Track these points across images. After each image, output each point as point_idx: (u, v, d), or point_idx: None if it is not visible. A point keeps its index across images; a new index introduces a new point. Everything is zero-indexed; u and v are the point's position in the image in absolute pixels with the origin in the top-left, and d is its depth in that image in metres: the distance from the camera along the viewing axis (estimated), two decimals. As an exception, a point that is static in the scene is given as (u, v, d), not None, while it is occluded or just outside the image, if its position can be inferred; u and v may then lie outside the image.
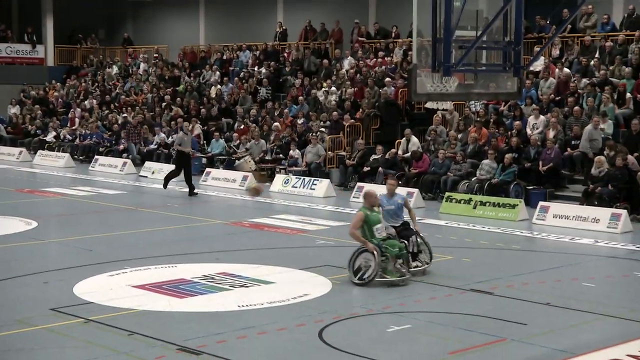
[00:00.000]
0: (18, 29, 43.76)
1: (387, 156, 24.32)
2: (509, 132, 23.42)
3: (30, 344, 10.15)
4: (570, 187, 21.87)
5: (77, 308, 11.63)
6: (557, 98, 24.70)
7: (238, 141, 28.28)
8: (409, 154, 24.15)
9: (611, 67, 24.68)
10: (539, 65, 25.90)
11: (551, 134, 22.60)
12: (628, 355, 9.69)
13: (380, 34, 33.25)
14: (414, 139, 24.62)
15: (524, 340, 10.37)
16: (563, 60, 26.41)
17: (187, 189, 23.58)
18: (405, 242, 13.49)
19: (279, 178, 25.18)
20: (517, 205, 19.94)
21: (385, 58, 30.65)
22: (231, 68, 35.57)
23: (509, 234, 18.01)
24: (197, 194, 23.67)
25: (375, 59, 30.96)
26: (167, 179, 24.41)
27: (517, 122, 23.55)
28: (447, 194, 21.45)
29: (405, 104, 27.32)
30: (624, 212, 18.46)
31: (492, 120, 24.43)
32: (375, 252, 12.74)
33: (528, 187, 21.51)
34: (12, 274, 13.75)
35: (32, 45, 42.86)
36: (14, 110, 39.17)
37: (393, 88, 27.68)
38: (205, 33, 41.96)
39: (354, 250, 13.05)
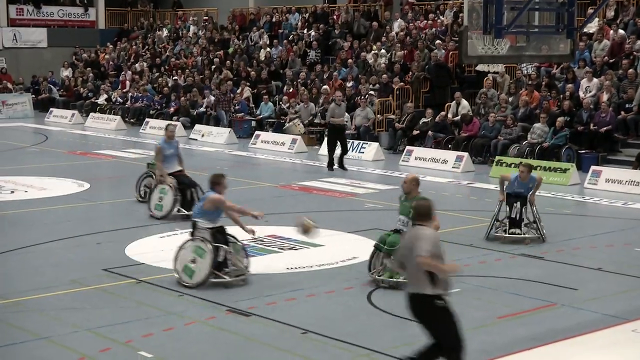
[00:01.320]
0: (69, -8, 44.09)
1: (437, 119, 24.16)
2: (561, 95, 23.09)
3: (84, 303, 10.35)
4: (624, 151, 21.54)
5: (129, 269, 11.81)
6: (611, 60, 24.25)
7: (288, 104, 28.28)
8: (458, 117, 23.96)
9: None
10: (592, 26, 25.41)
11: (605, 97, 22.24)
12: (680, 322, 9.58)
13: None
14: (464, 102, 24.41)
15: (574, 305, 10.31)
16: (618, 21, 25.88)
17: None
18: None
19: (328, 141, 25.14)
20: (569, 169, 19.71)
21: (436, 20, 30.32)
22: (280, 31, 35.47)
23: (560, 198, 17.83)
24: (346, 169, 21.56)
25: (425, 21, 30.63)
26: (331, 161, 21.70)
27: (570, 85, 23.19)
28: (497, 157, 21.27)
29: (456, 66, 27.07)
30: (677, 177, 18.16)
31: (544, 83, 24.09)
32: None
33: (580, 151, 21.24)
34: (65, 234, 13.99)
35: (84, 8, 43.16)
36: (66, 73, 39.60)
37: (443, 51, 27.41)
38: (255, -5, 41.87)
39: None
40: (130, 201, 17.10)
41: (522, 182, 13.70)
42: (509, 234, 13.44)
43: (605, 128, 21.26)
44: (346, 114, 23.11)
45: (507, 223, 13.50)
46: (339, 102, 21.95)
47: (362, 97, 26.39)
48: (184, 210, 15.02)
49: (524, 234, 13.44)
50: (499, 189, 13.89)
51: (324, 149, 24.80)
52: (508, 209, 13.53)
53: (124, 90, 35.50)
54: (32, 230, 14.51)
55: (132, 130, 31.24)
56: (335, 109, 21.72)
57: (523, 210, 13.47)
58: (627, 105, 21.99)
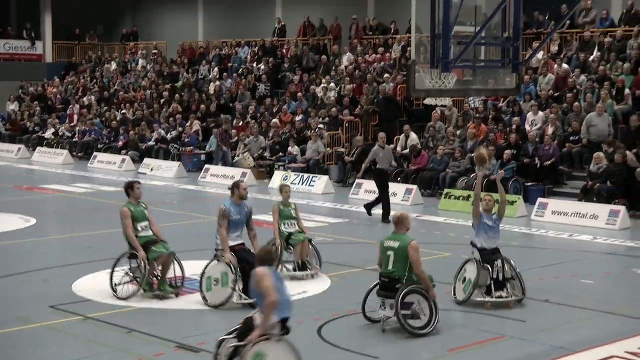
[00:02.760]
0: (16, 25, 43.72)
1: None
2: (508, 128, 23.42)
3: (30, 341, 10.16)
4: (569, 183, 21.89)
5: (76, 305, 11.64)
6: (555, 94, 24.69)
7: (236, 138, 28.26)
8: (407, 150, 24.15)
9: (610, 63, 24.66)
10: (537, 61, 25.88)
11: (550, 130, 22.61)
12: (627, 352, 9.71)
13: (378, 29, 33.22)
14: (413, 134, 24.64)
15: (523, 337, 10.39)
16: (562, 56, 26.40)
17: None
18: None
19: (278, 174, 25.19)
20: (516, 201, 19.95)
21: (384, 54, 30.64)
22: (230, 64, 35.53)
23: (507, 231, 17.99)
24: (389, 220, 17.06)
25: (373, 55, 30.93)
26: (370, 205, 19.50)
27: (516, 118, 23.55)
28: (445, 190, 21.46)
29: (404, 100, 27.31)
30: (622, 209, 18.48)
31: (490, 116, 24.43)
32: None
33: (526, 184, 21.53)
34: (11, 271, 13.77)
35: (30, 42, 42.83)
36: (12, 106, 39.17)
37: (392, 84, 27.68)
38: (204, 29, 41.94)
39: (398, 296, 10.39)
40: (77, 236, 16.89)
41: (489, 214, 12.27)
42: (495, 297, 11.62)
43: (548, 161, 21.58)
44: (391, 156, 20.37)
45: (492, 285, 11.64)
46: (382, 144, 19.50)
47: (313, 131, 26.49)
48: (245, 297, 11.62)
49: (510, 295, 11.71)
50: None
51: (273, 182, 24.81)
52: (489, 269, 11.67)
53: (72, 124, 35.22)
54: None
55: (80, 165, 30.96)
56: (379, 152, 19.29)
57: (505, 266, 11.76)
58: (571, 138, 22.36)
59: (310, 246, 13.58)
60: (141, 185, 12.53)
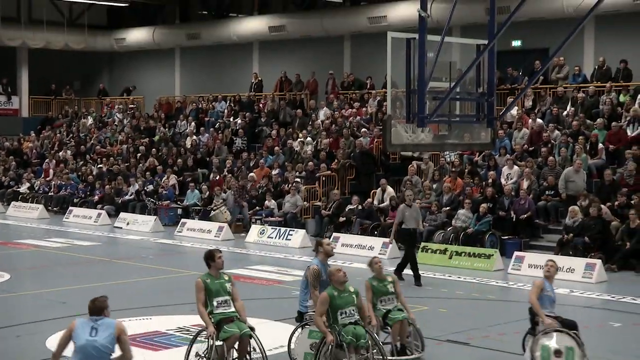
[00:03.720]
0: (-7, 80, 43.69)
1: (364, 206, 24.36)
2: (484, 182, 23.58)
3: (2, 399, 9.99)
4: (545, 237, 22.00)
5: (50, 362, 11.45)
6: (530, 148, 24.94)
7: (207, 192, 28.19)
8: (384, 203, 24.22)
9: (583, 118, 24.97)
10: (512, 116, 26.18)
11: (525, 184, 22.78)
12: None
13: (355, 84, 33.52)
14: (389, 189, 24.72)
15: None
16: (536, 110, 26.73)
17: None
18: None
19: (255, 228, 25.14)
20: (493, 255, 20.01)
21: (360, 108, 30.86)
22: (207, 119, 35.62)
23: (484, 284, 18.03)
24: (421, 284, 17.79)
25: (350, 110, 31.16)
26: (400, 267, 18.12)
27: (492, 172, 23.74)
28: (422, 244, 21.48)
29: (381, 154, 27.47)
30: (598, 262, 18.57)
31: (466, 170, 24.60)
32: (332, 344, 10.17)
33: (503, 237, 21.61)
34: (-16, 327, 13.57)
35: (6, 96, 42.76)
36: (-13, 161, 38.92)
37: (368, 138, 27.85)
38: (181, 84, 42.13)
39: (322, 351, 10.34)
40: (52, 292, 16.72)
41: (550, 283, 11.34)
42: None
43: (523, 215, 21.71)
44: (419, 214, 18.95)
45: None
46: (409, 202, 18.43)
47: (292, 185, 26.50)
48: None
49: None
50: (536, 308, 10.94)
51: (250, 236, 24.74)
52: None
53: (48, 179, 35.05)
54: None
55: (56, 219, 30.75)
56: (405, 210, 18.27)
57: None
58: (547, 192, 22.53)
59: (411, 327, 11.70)
60: (222, 253, 10.78)
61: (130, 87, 42.79)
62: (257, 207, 26.81)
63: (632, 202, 20.48)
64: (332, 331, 10.22)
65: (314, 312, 10.66)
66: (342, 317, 10.30)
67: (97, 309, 8.72)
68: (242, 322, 10.47)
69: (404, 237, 18.75)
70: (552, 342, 10.61)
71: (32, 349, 12.18)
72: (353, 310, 10.42)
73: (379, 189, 24.95)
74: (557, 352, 10.51)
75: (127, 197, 30.58)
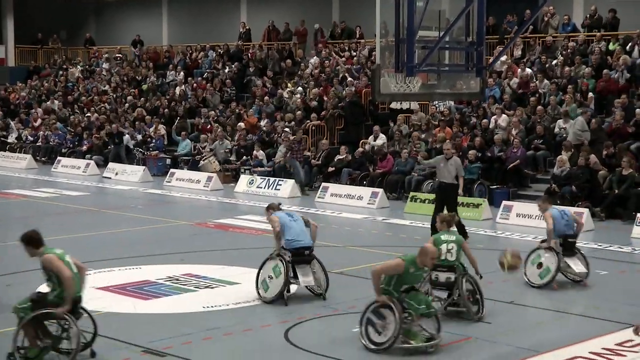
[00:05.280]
0: (-22, 29, 43.26)
1: (356, 155, 24.35)
2: (473, 132, 23.57)
3: (-7, 347, 10.04)
4: (533, 186, 22.07)
5: (40, 311, 11.48)
6: (520, 94, 24.90)
7: (205, 144, 28.08)
8: (379, 143, 24.20)
9: (575, 66, 24.91)
10: (501, 64, 26.09)
11: (514, 132, 22.79)
12: (590, 353, 9.81)
13: (344, 33, 33.30)
14: (382, 136, 24.70)
15: (489, 339, 10.46)
16: (525, 60, 26.64)
17: None
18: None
19: (244, 178, 25.14)
20: (481, 204, 20.09)
21: (350, 58, 30.71)
22: (196, 70, 35.37)
23: (472, 233, 18.07)
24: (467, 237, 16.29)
25: (339, 59, 31.00)
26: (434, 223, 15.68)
27: (484, 121, 23.72)
28: (411, 193, 21.54)
29: (369, 103, 27.41)
30: (585, 211, 18.64)
31: (456, 119, 24.58)
32: (394, 307, 9.72)
33: (491, 187, 21.67)
34: (-27, 277, 13.59)
35: (-8, 46, 42.41)
36: (-26, 111, 38.68)
37: (357, 88, 27.74)
38: (169, 33, 41.76)
39: (368, 304, 10.02)
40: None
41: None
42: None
43: (513, 164, 21.73)
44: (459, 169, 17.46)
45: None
46: (449, 154, 17.24)
47: (280, 135, 26.40)
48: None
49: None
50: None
51: (239, 186, 24.75)
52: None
53: (35, 128, 34.87)
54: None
55: (44, 169, 30.64)
56: (440, 162, 17.27)
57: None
58: (535, 142, 22.56)
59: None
60: None
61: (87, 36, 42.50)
62: (245, 157, 26.76)
63: (618, 150, 20.53)
64: (390, 296, 9.77)
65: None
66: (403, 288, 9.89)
67: None
68: None
69: (437, 191, 17.70)
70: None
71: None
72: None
73: (372, 135, 24.97)
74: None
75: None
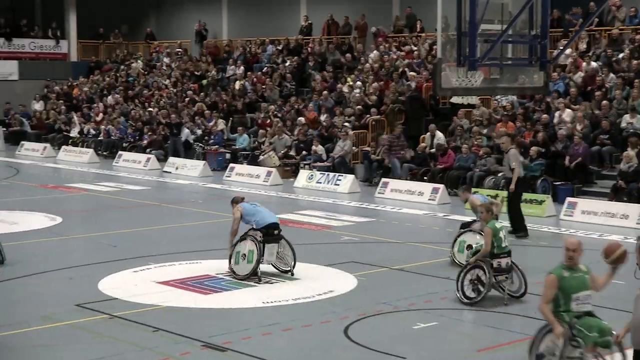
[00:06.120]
0: (42, 24, 43.95)
1: (418, 151, 24.20)
2: (536, 127, 23.26)
3: (56, 340, 10.22)
4: (599, 182, 21.70)
5: (102, 304, 11.70)
6: (586, 90, 24.52)
7: (264, 138, 28.20)
8: (434, 149, 24.07)
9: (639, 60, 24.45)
10: (565, 58, 25.71)
11: (579, 127, 22.44)
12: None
13: (405, 27, 33.14)
14: (439, 133, 24.52)
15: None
16: (590, 53, 26.22)
17: None
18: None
19: (303, 173, 25.19)
20: (545, 201, 19.82)
21: (410, 52, 30.55)
22: (255, 64, 35.55)
23: (536, 230, 17.89)
24: (526, 235, 17.14)
25: (399, 53, 30.86)
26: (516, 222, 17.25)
27: (544, 116, 23.40)
28: (472, 189, 21.30)
29: (430, 98, 27.23)
30: (652, 208, 18.29)
31: (518, 114, 24.29)
32: (563, 339, 8.13)
33: (555, 183, 21.36)
34: (37, 269, 13.85)
35: (55, 41, 43.07)
36: (37, 105, 39.41)
37: (417, 82, 27.59)
38: (229, 27, 42.00)
39: (541, 327, 8.50)
40: (103, 235, 16.99)
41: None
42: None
43: (575, 162, 21.35)
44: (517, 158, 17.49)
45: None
46: (504, 148, 17.65)
47: (342, 130, 26.37)
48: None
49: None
50: None
51: (299, 181, 24.82)
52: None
53: (97, 122, 35.39)
54: (2, 265, 14.35)
55: (105, 163, 31.10)
56: (517, 154, 17.41)
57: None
58: (601, 137, 22.19)
59: None
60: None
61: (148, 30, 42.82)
62: (304, 152, 26.80)
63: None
64: (561, 322, 8.19)
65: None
66: (577, 304, 8.31)
67: None
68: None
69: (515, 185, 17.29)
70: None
71: (84, 291, 12.41)
72: (588, 296, 8.43)
73: (428, 133, 24.79)
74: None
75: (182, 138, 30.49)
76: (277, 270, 13.46)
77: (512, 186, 17.24)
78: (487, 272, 11.56)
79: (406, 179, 23.32)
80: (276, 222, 13.35)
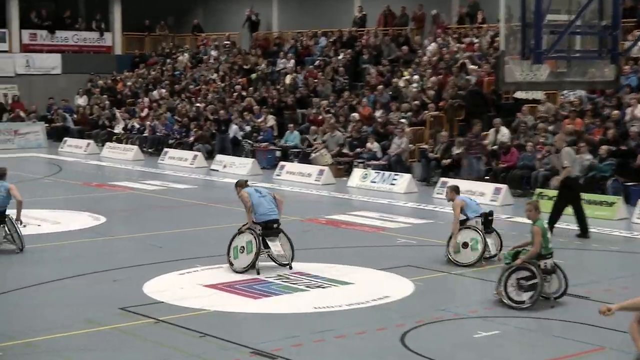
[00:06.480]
0: (85, 17, 44.57)
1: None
2: (606, 124, 22.96)
3: (100, 344, 10.35)
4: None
5: (147, 307, 11.82)
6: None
7: (316, 135, 28.26)
8: (496, 146, 23.88)
9: None
10: (638, 50, 25.34)
11: (653, 125, 22.12)
12: None
13: (467, 17, 32.97)
14: (504, 129, 24.26)
15: (625, 350, 10.17)
16: (666, 45, 25.80)
17: None
18: None
19: (357, 172, 25.17)
20: (615, 202, 19.55)
21: (471, 44, 30.36)
22: (307, 58, 35.62)
23: (606, 234, 17.67)
24: (588, 236, 17.23)
25: (459, 45, 30.69)
26: (553, 220, 17.14)
27: (615, 112, 23.09)
28: (537, 190, 21.14)
29: (492, 93, 27.04)
30: None
31: (587, 110, 24.00)
32: None
33: (627, 184, 21.04)
34: (80, 271, 14.05)
35: (99, 33, 43.65)
36: (81, 100, 39.94)
37: (478, 76, 27.41)
38: (279, 19, 42.13)
39: None
40: (148, 236, 17.16)
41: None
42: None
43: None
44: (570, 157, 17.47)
45: None
46: (557, 146, 17.75)
47: (396, 126, 26.31)
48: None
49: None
50: None
51: (352, 180, 24.81)
52: None
53: (142, 118, 35.74)
54: (45, 266, 14.59)
55: (150, 161, 31.41)
56: (571, 153, 17.39)
57: None
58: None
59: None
60: None
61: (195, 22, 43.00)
62: (358, 149, 26.76)
63: None
64: None
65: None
66: None
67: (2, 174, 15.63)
68: None
69: (566, 185, 17.37)
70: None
71: (129, 294, 12.55)
72: None
73: (492, 129, 24.61)
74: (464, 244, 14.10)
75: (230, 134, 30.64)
76: (276, 264, 14.11)
77: (556, 183, 17.41)
78: (537, 274, 11.62)
79: (466, 179, 23.18)
80: (276, 217, 14.04)
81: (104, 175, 27.80)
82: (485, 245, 14.33)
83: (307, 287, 13.04)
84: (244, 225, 14.04)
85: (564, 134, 19.29)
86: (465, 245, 14.32)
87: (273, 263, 14.08)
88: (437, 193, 22.61)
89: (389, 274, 13.88)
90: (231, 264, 13.85)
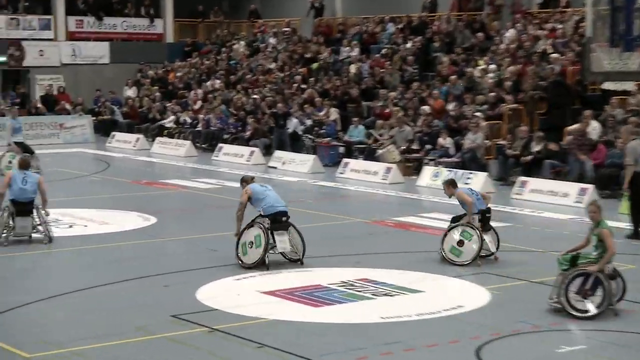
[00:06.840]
0: (135, 2, 45.01)
1: (563, 145, 23.74)
2: None
3: (150, 353, 10.46)
4: None
5: (200, 315, 11.91)
6: None
7: (382, 130, 28.24)
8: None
9: None
10: None
11: None
12: None
13: (549, 1, 32.69)
14: (594, 123, 23.87)
15: None
16: None
17: None
18: None
19: (427, 170, 25.09)
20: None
21: (554, 30, 30.10)
22: (373, 46, 35.59)
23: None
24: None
25: (540, 32, 30.44)
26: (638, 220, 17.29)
27: None
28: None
29: (577, 84, 26.76)
30: None
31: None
32: None
33: None
34: (130, 275, 14.21)
35: (149, 20, 44.08)
36: (130, 92, 40.40)
37: (561, 65, 27.15)
38: (343, 3, 42.14)
39: None
40: (202, 238, 17.29)
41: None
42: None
43: None
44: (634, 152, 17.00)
45: None
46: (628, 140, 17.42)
47: (471, 121, 26.18)
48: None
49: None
50: None
51: (422, 179, 24.72)
52: None
53: (195, 110, 36.01)
54: (92, 270, 14.79)
55: (204, 157, 31.67)
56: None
57: None
58: None
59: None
60: None
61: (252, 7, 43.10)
62: (428, 146, 26.68)
63: None
64: None
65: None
66: None
67: (25, 165, 16.63)
68: None
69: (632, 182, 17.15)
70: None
71: (181, 300, 12.67)
72: None
73: (577, 124, 24.34)
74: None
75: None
76: (286, 260, 14.66)
77: (625, 185, 17.12)
78: (603, 280, 11.62)
79: (549, 178, 22.98)
80: (284, 209, 14.57)
81: (155, 173, 28.11)
82: (482, 242, 14.70)
83: (373, 295, 13.03)
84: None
85: (631, 126, 18.95)
86: (460, 243, 14.82)
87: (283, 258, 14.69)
88: (516, 194, 22.45)
89: (463, 282, 13.82)
90: (240, 261, 14.39)
